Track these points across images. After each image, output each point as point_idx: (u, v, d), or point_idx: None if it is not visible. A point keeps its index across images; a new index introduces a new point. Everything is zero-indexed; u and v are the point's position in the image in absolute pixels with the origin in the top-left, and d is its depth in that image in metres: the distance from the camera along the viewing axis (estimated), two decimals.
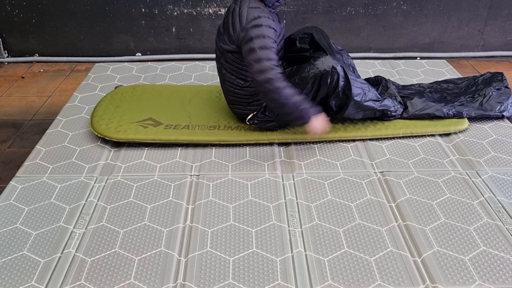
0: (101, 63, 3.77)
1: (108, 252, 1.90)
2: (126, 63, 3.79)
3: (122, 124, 2.67)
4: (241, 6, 2.37)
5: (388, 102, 2.64)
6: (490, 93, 2.81)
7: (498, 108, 2.78)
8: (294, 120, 2.34)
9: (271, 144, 2.61)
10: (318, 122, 2.34)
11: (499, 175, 2.34)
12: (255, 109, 2.58)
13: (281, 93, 2.24)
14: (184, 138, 2.57)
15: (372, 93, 2.55)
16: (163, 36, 3.89)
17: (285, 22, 2.59)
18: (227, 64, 2.50)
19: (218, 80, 2.98)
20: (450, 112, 2.72)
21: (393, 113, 2.68)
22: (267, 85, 2.23)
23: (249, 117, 2.60)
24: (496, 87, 2.85)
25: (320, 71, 2.39)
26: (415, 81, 3.39)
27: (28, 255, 1.88)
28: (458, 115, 2.74)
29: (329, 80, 2.38)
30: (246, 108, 2.59)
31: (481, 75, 3.02)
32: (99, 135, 2.61)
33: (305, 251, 1.89)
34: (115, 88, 3.16)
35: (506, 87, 2.87)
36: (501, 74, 2.96)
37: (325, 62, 2.39)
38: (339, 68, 2.37)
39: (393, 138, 2.66)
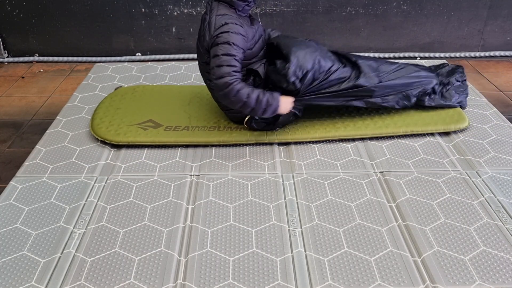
0: (101, 63, 3.77)
1: (108, 252, 1.90)
2: (126, 63, 3.79)
3: (122, 126, 2.67)
4: (210, 15, 2.39)
5: (324, 62, 2.52)
6: (453, 83, 2.89)
7: (456, 98, 2.84)
8: (265, 113, 2.34)
9: (271, 144, 2.61)
10: (285, 102, 2.38)
11: (499, 175, 2.34)
12: None
13: (240, 93, 2.26)
14: (184, 140, 2.57)
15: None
16: (163, 36, 3.89)
17: (260, 23, 2.58)
18: (209, 75, 2.52)
19: None
20: (413, 95, 2.72)
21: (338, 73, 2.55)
22: (226, 89, 2.26)
23: (245, 119, 2.60)
24: (457, 79, 2.93)
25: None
26: None
27: (28, 255, 1.88)
28: (421, 102, 2.77)
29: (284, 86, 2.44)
30: (239, 112, 2.59)
31: (443, 66, 3.05)
32: (99, 138, 2.61)
33: (305, 251, 1.89)
34: (115, 89, 3.16)
35: (465, 80, 2.98)
36: (462, 67, 3.02)
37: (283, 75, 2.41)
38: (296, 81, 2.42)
39: (393, 138, 2.66)
